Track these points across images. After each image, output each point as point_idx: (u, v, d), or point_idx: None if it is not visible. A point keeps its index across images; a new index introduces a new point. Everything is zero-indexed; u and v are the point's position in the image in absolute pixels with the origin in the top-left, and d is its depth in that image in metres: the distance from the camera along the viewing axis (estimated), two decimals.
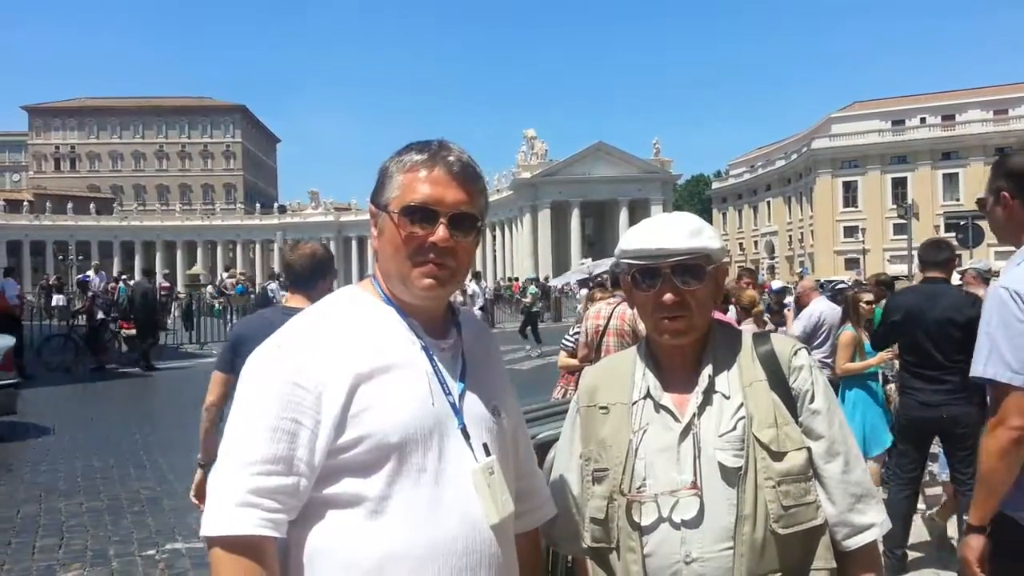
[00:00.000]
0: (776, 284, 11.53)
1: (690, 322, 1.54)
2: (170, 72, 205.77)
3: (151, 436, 9.41)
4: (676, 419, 1.52)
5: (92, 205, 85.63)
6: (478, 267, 43.46)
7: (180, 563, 5.13)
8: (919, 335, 4.60)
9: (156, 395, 13.96)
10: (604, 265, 22.96)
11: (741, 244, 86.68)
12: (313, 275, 3.48)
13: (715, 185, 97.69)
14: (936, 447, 5.15)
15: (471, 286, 21.50)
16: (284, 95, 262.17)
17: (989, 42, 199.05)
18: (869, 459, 5.18)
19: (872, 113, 73.97)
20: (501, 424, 1.46)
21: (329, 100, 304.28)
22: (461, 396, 1.40)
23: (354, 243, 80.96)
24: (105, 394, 13.59)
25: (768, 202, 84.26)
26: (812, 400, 1.54)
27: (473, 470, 1.36)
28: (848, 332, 5.64)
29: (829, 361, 6.10)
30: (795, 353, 1.57)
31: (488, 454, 1.39)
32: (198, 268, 59.89)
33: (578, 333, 5.92)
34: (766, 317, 7.84)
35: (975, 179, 57.83)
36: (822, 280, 27.54)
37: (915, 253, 6.94)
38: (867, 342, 5.66)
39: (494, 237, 72.93)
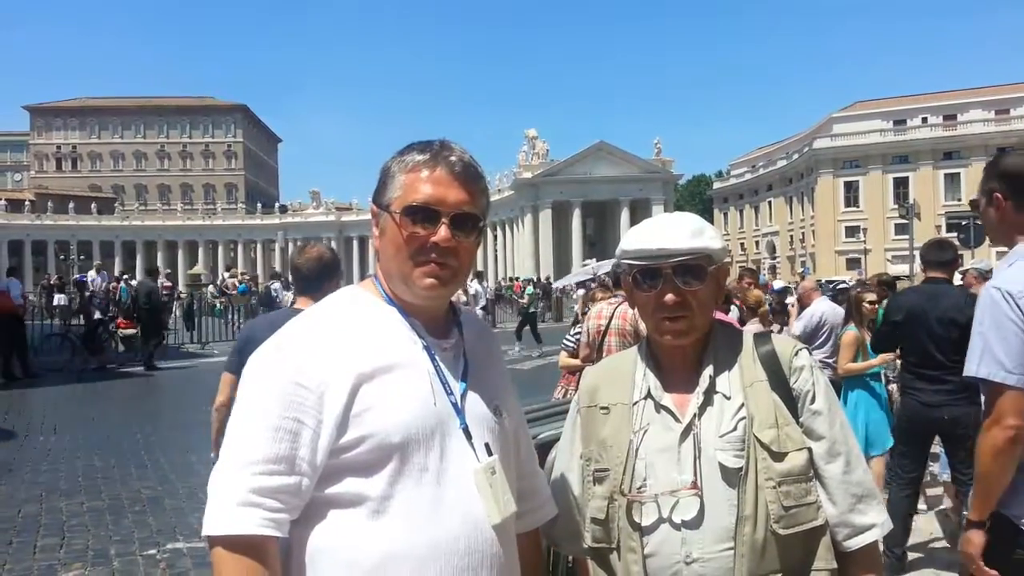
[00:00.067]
0: (778, 284, 11.55)
1: (691, 322, 1.54)
2: (171, 72, 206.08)
3: (152, 436, 9.40)
4: (677, 419, 1.52)
5: (94, 205, 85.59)
6: (479, 267, 43.47)
7: (181, 562, 5.13)
8: (921, 335, 4.59)
9: (157, 395, 13.95)
10: (608, 266, 22.95)
11: (742, 244, 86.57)
12: (320, 278, 3.50)
13: (716, 185, 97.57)
14: (937, 447, 5.15)
15: (474, 286, 21.51)
16: (285, 95, 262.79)
17: (990, 42, 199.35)
18: (871, 459, 5.18)
19: (873, 113, 73.75)
20: (503, 424, 1.46)
21: (330, 100, 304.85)
22: (463, 396, 1.40)
23: (355, 243, 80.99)
24: (106, 394, 13.58)
25: (769, 202, 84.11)
26: (813, 401, 1.54)
27: (475, 470, 1.36)
28: (851, 332, 5.63)
29: (830, 361, 6.10)
30: (796, 353, 1.57)
31: (490, 454, 1.40)
32: (199, 268, 60.02)
33: (579, 333, 5.91)
34: (771, 317, 7.85)
35: (976, 179, 56.47)
36: (823, 280, 27.58)
37: (916, 253, 6.94)
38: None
39: (495, 237, 72.92)
